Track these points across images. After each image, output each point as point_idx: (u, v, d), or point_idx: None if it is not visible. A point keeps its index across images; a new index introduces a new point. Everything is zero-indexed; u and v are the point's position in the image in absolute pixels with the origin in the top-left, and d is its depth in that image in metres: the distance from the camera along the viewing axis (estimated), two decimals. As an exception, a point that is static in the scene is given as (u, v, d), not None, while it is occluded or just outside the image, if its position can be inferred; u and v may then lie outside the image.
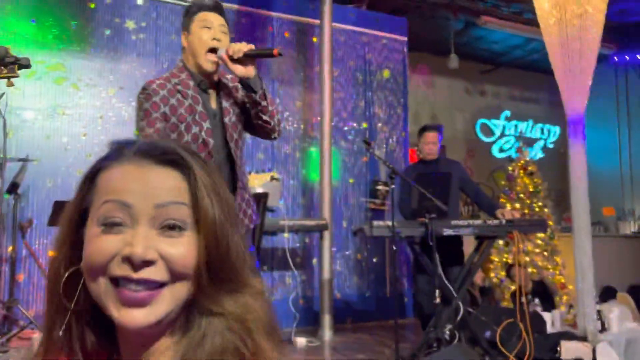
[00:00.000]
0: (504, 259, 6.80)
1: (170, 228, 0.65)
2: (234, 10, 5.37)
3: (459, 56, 7.05)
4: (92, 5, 4.78)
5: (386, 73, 6.16)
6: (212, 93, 2.13)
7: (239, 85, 2.13)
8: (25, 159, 3.85)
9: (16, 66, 1.62)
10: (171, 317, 0.66)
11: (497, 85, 8.91)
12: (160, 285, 0.64)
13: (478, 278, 5.30)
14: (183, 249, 0.65)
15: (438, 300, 3.49)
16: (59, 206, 3.07)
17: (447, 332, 3.73)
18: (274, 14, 5.58)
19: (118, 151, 0.68)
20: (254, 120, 2.13)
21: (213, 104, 2.11)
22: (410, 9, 6.56)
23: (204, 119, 2.04)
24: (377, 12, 6.25)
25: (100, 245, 0.63)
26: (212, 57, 2.04)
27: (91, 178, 0.68)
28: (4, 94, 3.35)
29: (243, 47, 1.99)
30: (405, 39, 6.32)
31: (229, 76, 2.17)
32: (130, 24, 4.91)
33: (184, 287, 0.65)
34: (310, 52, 5.74)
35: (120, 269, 0.63)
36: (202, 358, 0.64)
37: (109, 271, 0.63)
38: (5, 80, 1.66)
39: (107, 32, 4.83)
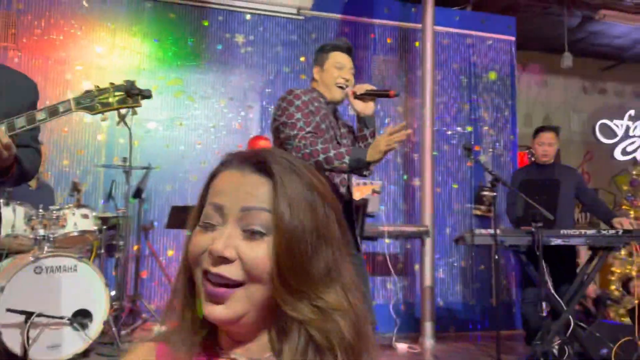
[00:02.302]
0: (627, 270, 6.28)
1: (253, 233, 0.70)
2: (336, 20, 5.51)
3: (575, 53, 6.61)
4: (206, 23, 5.16)
5: (492, 75, 5.96)
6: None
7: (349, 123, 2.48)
8: (148, 166, 4.24)
9: (139, 96, 1.84)
10: (251, 318, 0.71)
11: (620, 82, 8.22)
12: (237, 285, 0.70)
13: (590, 289, 4.94)
14: (261, 252, 0.69)
15: (544, 313, 3.32)
16: (175, 210, 3.36)
17: (556, 346, 3.54)
18: (376, 21, 5.63)
19: (227, 159, 0.76)
20: None
21: None
22: (520, 7, 6.28)
23: (335, 126, 2.32)
24: (484, 13, 6.07)
25: (196, 241, 0.72)
26: (341, 90, 2.34)
27: (208, 183, 0.77)
28: (129, 110, 3.72)
29: (366, 87, 2.28)
30: (513, 38, 6.07)
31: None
32: (239, 38, 5.22)
33: (259, 290, 0.70)
34: (412, 56, 5.71)
35: (205, 262, 0.70)
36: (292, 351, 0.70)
37: (201, 264, 0.71)
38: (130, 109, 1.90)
39: (219, 47, 5.17)
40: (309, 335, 0.69)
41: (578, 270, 3.93)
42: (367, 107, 2.30)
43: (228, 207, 0.71)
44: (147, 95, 1.84)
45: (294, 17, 5.35)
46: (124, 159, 3.95)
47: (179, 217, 3.38)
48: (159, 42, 5.04)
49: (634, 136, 8.08)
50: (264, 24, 5.31)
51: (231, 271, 0.69)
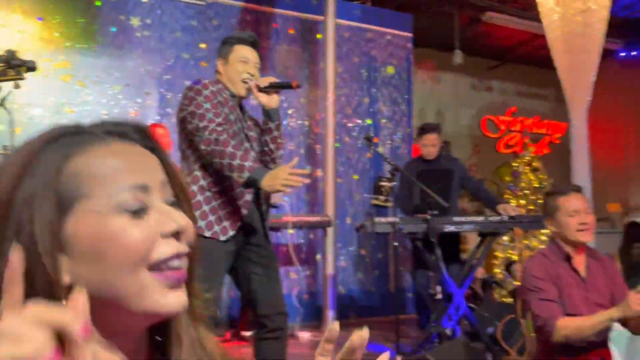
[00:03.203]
0: (508, 255, 6.82)
1: (173, 203, 0.63)
2: (238, 7, 5.40)
3: (465, 52, 7.04)
4: (98, 3, 4.83)
5: (390, 69, 6.17)
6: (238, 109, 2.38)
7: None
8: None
9: (23, 68, 1.67)
10: None
11: (504, 81, 8.88)
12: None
13: (478, 272, 5.31)
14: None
15: (439, 296, 3.51)
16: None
17: (448, 327, 3.76)
18: (278, 10, 5.60)
19: (82, 135, 0.61)
20: (261, 146, 2.37)
21: None
22: (416, 5, 6.55)
23: (241, 119, 2.30)
24: (382, 9, 6.26)
25: (136, 233, 0.57)
26: (246, 85, 2.30)
27: (58, 169, 0.57)
28: (10, 92, 3.40)
29: (269, 79, 2.28)
30: (410, 35, 6.32)
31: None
32: (135, 21, 4.95)
33: None
34: (314, 48, 5.76)
35: (168, 248, 0.59)
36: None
37: (151, 257, 0.58)
38: (13, 81, 1.71)
39: (113, 29, 4.87)
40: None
41: (464, 255, 4.22)
42: (271, 100, 2.28)
43: (152, 185, 0.60)
44: (31, 67, 1.68)
45: (193, 1, 5.17)
46: (4, 147, 3.59)
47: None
48: (44, 20, 4.64)
49: (514, 131, 8.78)
50: (162, 7, 5.07)
51: (185, 247, 0.62)
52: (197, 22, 5.20)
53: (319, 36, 5.70)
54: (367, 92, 6.01)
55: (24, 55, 4.42)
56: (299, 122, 5.59)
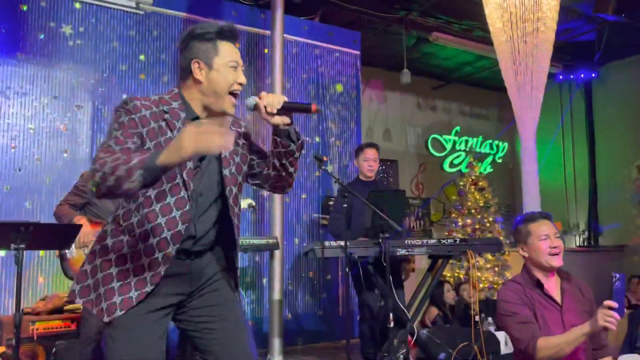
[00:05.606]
0: (456, 274, 6.79)
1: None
2: (181, 18, 5.14)
3: (411, 71, 7.03)
4: (24, 8, 4.44)
5: (339, 87, 6.06)
6: None
7: (243, 132, 1.86)
8: (-59, 173, 3.47)
9: None
10: None
11: (448, 100, 8.98)
12: None
13: (450, 296, 5.15)
14: None
15: (392, 324, 3.33)
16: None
17: (401, 355, 3.60)
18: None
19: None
20: (274, 171, 1.84)
21: None
22: (363, 23, 6.49)
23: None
24: (330, 25, 6.15)
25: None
26: (233, 100, 1.74)
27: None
28: None
29: (279, 99, 1.72)
30: (359, 52, 6.24)
31: (230, 119, 1.85)
32: (66, 29, 4.59)
33: None
34: (261, 63, 5.56)
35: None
36: None
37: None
38: None
39: (41, 36, 4.49)
40: None
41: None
42: (285, 119, 1.74)
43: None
44: None
45: (132, 10, 4.87)
46: None
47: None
48: (-38, 24, 4.22)
49: (459, 150, 8.87)
50: (97, 15, 4.74)
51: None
52: (135, 32, 4.90)
53: (265, 51, 5.51)
54: (315, 109, 5.85)
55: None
56: (245, 139, 5.35)
